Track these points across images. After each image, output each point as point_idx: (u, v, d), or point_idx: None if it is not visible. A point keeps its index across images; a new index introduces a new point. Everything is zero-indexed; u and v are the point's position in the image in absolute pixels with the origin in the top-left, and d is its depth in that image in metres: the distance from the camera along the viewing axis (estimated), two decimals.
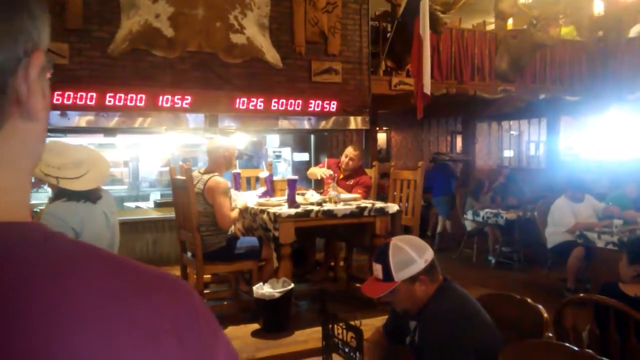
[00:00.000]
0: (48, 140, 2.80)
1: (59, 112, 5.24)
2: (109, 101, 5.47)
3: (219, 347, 0.51)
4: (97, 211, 2.63)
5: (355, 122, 6.90)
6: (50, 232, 0.48)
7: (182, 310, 0.48)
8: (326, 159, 5.49)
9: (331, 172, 5.05)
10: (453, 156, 10.51)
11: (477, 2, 8.63)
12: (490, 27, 9.33)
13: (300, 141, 7.48)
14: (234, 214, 4.32)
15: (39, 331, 0.41)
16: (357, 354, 1.96)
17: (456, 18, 8.98)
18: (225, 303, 4.67)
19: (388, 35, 7.45)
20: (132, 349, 0.43)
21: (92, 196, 2.61)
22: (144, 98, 5.62)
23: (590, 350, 1.82)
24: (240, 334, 3.97)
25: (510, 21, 9.37)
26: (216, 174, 4.29)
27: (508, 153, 12.07)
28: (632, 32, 9.39)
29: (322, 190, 5.13)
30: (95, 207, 2.62)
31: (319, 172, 5.24)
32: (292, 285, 4.12)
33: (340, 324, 2.05)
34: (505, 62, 8.33)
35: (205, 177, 4.27)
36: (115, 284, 0.46)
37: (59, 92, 5.19)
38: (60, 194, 2.55)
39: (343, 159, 5.34)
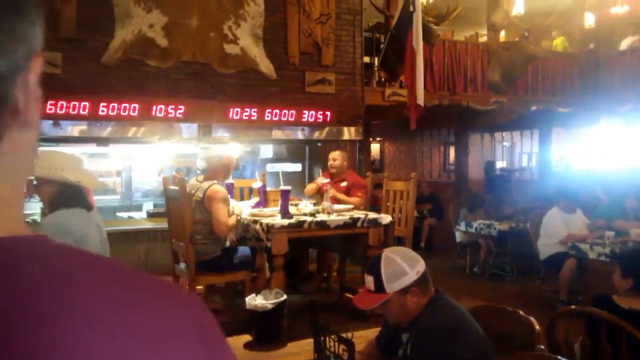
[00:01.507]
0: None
1: (51, 122, 5.21)
2: (102, 111, 5.46)
3: (226, 356, 0.50)
4: (92, 220, 2.66)
5: (348, 133, 6.91)
6: (58, 243, 0.48)
7: (191, 318, 0.48)
8: (321, 172, 5.57)
9: (328, 180, 5.16)
10: (507, 167, 11.30)
11: (469, 14, 8.68)
12: (483, 39, 9.39)
13: (294, 152, 7.47)
14: (232, 220, 4.30)
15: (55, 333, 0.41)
16: None
17: (449, 30, 9.03)
18: (218, 314, 4.64)
19: (381, 46, 7.48)
20: (141, 355, 0.43)
21: (86, 203, 2.63)
22: (137, 108, 5.61)
23: None
24: (232, 346, 3.93)
25: (502, 33, 9.45)
26: (215, 182, 4.31)
27: (501, 164, 12.11)
28: (623, 45, 9.49)
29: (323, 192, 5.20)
30: (90, 216, 2.65)
31: (317, 182, 5.33)
32: (285, 296, 4.08)
33: (332, 336, 2.04)
34: (497, 73, 8.38)
35: (205, 185, 4.27)
36: (127, 291, 0.46)
37: (52, 102, 5.17)
38: (55, 204, 2.56)
39: (329, 162, 5.53)
